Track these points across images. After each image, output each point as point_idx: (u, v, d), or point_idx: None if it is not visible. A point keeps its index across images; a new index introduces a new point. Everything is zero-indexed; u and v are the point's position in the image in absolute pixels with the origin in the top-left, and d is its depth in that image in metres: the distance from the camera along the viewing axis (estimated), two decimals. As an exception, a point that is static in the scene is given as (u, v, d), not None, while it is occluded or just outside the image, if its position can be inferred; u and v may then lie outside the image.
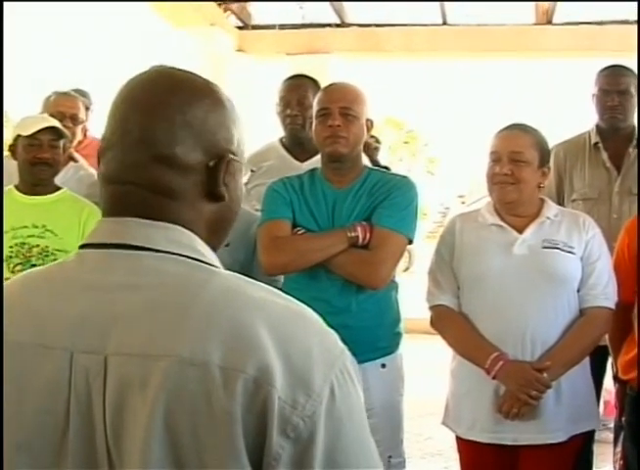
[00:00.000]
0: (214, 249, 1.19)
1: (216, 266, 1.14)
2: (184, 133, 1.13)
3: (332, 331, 1.10)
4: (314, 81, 3.74)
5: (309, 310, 1.10)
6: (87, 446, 1.05)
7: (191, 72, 1.20)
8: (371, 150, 4.38)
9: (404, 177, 3.03)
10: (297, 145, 3.70)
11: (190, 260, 1.11)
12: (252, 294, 1.08)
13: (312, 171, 3.02)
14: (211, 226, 1.19)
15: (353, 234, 2.80)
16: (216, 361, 1.00)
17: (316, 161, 3.13)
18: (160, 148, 1.12)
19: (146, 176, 1.13)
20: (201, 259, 1.12)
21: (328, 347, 1.07)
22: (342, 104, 2.84)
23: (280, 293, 1.12)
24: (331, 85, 3.02)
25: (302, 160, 3.61)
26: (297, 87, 3.72)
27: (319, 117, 2.88)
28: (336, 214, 2.88)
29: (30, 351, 1.08)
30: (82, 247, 1.15)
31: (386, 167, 4.16)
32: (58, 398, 1.06)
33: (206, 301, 1.05)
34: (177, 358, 1.01)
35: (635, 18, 6.89)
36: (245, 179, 1.16)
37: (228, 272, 1.13)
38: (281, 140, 3.81)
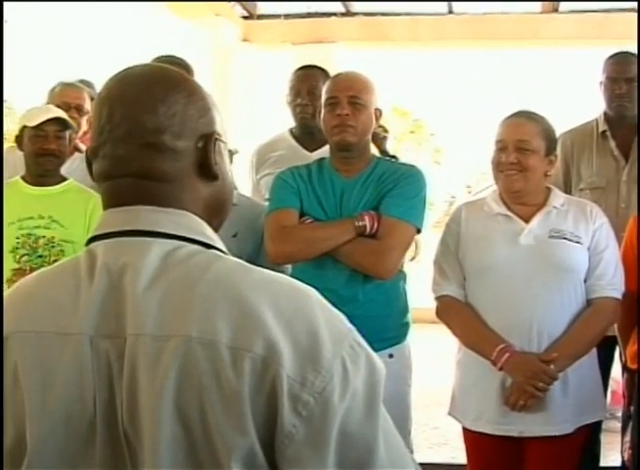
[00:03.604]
0: (214, 231, 1.22)
1: (223, 251, 1.17)
2: (168, 122, 1.16)
3: (338, 311, 1.12)
4: (324, 71, 3.74)
5: (314, 291, 1.12)
6: (112, 434, 1.06)
7: (165, 66, 1.25)
8: (379, 139, 4.37)
9: (412, 167, 3.02)
10: (306, 135, 3.69)
11: (196, 245, 1.14)
12: (256, 275, 1.10)
13: (320, 161, 3.01)
14: (210, 207, 1.22)
15: (361, 223, 2.79)
16: (224, 341, 1.02)
17: (325, 150, 3.12)
18: (149, 137, 1.15)
19: (139, 165, 1.16)
20: (209, 244, 1.15)
21: (335, 323, 1.09)
22: (350, 93, 2.84)
23: (283, 275, 1.14)
24: (339, 74, 3.01)
25: (312, 149, 3.60)
26: (308, 77, 3.72)
27: (327, 105, 2.88)
28: (344, 204, 2.87)
29: (50, 339, 1.09)
30: (91, 239, 1.17)
31: (394, 157, 4.15)
32: (84, 385, 1.07)
33: (211, 282, 1.07)
34: (186, 338, 1.03)
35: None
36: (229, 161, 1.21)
37: (232, 258, 1.15)
38: (291, 130, 3.81)
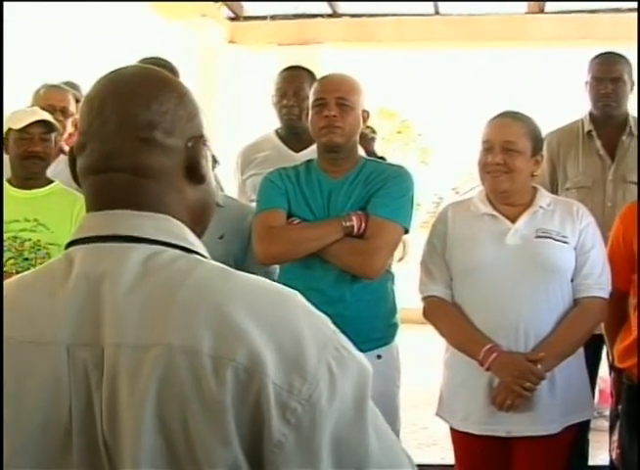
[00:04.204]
0: (197, 237, 1.20)
1: (205, 256, 1.15)
2: (160, 118, 1.15)
3: (322, 314, 1.10)
4: (310, 73, 3.74)
5: (297, 295, 1.10)
6: (90, 442, 1.04)
7: (155, 68, 1.25)
8: (367, 140, 4.38)
9: (400, 167, 3.03)
10: (292, 135, 3.70)
11: (177, 250, 1.12)
12: (237, 282, 1.08)
13: (308, 162, 3.02)
14: (194, 213, 1.20)
15: (348, 223, 2.79)
16: (206, 350, 1.00)
17: (311, 151, 3.13)
18: (140, 131, 1.14)
19: (127, 160, 1.14)
20: (190, 249, 1.13)
21: (319, 327, 1.07)
22: (337, 94, 2.84)
23: (266, 280, 1.12)
24: (327, 76, 3.03)
25: (298, 150, 3.61)
26: (294, 78, 3.72)
27: (315, 107, 2.88)
28: (331, 204, 2.88)
29: (25, 348, 1.07)
30: (71, 243, 1.15)
31: (381, 158, 4.15)
32: (60, 394, 1.05)
33: (192, 288, 1.05)
34: (167, 346, 1.01)
35: (627, 6, 6.89)
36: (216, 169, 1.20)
37: (214, 262, 1.13)
38: (276, 131, 3.81)
